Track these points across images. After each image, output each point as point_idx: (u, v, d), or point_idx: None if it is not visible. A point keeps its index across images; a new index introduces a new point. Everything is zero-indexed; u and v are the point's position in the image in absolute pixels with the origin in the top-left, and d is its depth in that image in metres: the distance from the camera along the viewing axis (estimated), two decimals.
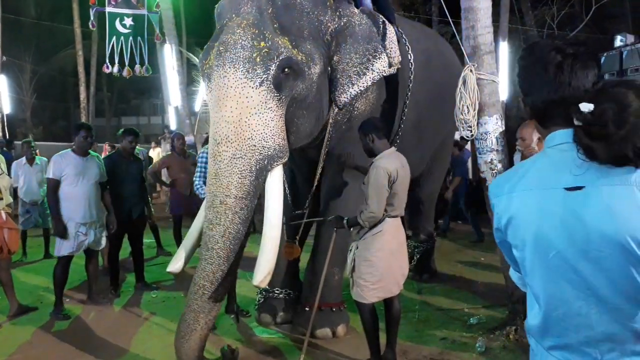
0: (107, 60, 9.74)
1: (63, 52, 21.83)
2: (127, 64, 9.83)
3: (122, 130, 5.25)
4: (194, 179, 4.41)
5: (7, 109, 12.26)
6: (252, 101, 2.98)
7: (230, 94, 2.98)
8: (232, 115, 2.96)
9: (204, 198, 4.13)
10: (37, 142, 11.89)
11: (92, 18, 9.69)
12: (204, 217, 3.04)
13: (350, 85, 3.47)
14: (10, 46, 15.87)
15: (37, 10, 20.54)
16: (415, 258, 5.49)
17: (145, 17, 10.15)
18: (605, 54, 12.34)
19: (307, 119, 3.39)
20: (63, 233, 4.40)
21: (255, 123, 2.98)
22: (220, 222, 2.92)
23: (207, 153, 4.36)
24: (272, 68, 3.03)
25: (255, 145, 2.98)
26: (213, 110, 3.06)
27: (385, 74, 3.56)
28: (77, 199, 4.43)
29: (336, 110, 3.59)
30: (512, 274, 1.42)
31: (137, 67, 9.92)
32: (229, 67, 2.99)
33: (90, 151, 4.71)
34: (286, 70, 3.10)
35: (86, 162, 4.54)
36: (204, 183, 4.27)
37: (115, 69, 9.80)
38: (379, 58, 3.49)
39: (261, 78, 3.00)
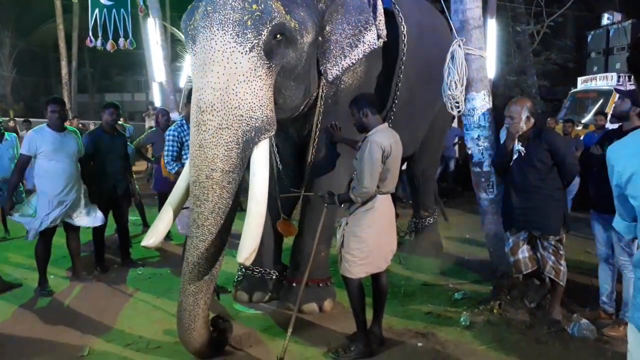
0: (90, 34, 9.48)
1: (43, 26, 21.29)
2: (110, 37, 9.58)
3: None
4: (164, 155, 4.32)
5: None
6: (241, 67, 2.82)
7: (217, 58, 2.80)
8: (218, 81, 2.79)
9: (175, 173, 4.11)
10: (17, 119, 11.68)
11: None
12: (190, 192, 2.93)
13: (342, 58, 3.41)
14: None
15: None
16: (412, 233, 5.57)
17: None
18: (592, 32, 12.37)
19: (294, 91, 3.29)
20: (9, 211, 4.39)
21: (244, 91, 2.83)
22: (208, 198, 2.81)
23: (174, 129, 4.31)
24: (264, 33, 2.87)
25: (242, 116, 2.83)
26: (197, 75, 2.87)
27: (374, 47, 3.50)
28: (55, 175, 4.31)
29: (325, 83, 3.51)
30: (618, 223, 1.69)
31: (121, 40, 9.69)
32: (217, 30, 2.81)
33: (67, 126, 4.60)
34: (278, 36, 2.97)
35: (63, 138, 4.40)
36: (172, 159, 4.23)
37: (99, 42, 9.56)
38: (370, 30, 3.43)
39: (252, 43, 2.84)
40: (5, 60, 21.49)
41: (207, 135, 2.79)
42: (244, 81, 2.83)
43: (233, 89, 2.81)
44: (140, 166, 10.45)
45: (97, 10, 9.49)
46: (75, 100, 19.92)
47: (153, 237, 3.10)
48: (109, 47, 9.56)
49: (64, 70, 18.11)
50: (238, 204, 2.98)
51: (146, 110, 14.68)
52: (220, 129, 2.79)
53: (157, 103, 11.96)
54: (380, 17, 3.52)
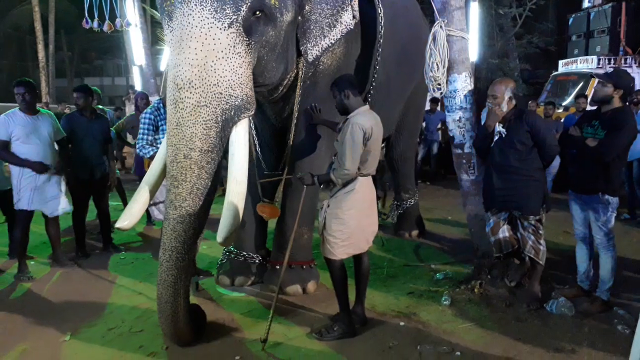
0: (87, 15, 9.20)
1: (19, 8, 20.73)
2: (107, 17, 9.32)
3: None
4: (138, 140, 4.26)
5: None
6: (220, 44, 2.75)
7: (195, 34, 2.72)
8: (196, 58, 2.70)
9: (149, 158, 4.06)
10: None
11: None
12: (167, 173, 2.83)
13: (322, 38, 3.38)
14: None
15: None
16: (393, 215, 5.62)
17: None
18: (573, 15, 12.43)
19: (271, 71, 3.23)
20: (43, 167, 4.26)
21: (222, 68, 2.76)
22: (186, 178, 2.73)
23: (150, 112, 4.24)
24: (242, 9, 2.80)
25: (221, 93, 2.75)
26: (174, 52, 2.76)
27: (350, 27, 3.48)
28: (31, 159, 4.24)
29: (304, 64, 3.49)
30: None
31: (118, 20, 9.43)
32: (195, 5, 2.72)
33: (41, 109, 4.50)
34: (257, 13, 2.90)
35: (36, 121, 4.31)
36: (147, 142, 4.17)
37: (95, 23, 9.29)
38: (346, 10, 3.41)
39: (230, 19, 2.76)
40: None
41: (184, 113, 2.71)
42: (223, 58, 2.77)
43: (211, 66, 2.74)
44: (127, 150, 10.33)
45: None
46: (54, 84, 19.54)
47: (127, 219, 3.01)
48: (105, 28, 9.30)
49: (41, 54, 17.72)
50: (216, 186, 2.92)
51: (126, 94, 14.46)
52: (198, 106, 2.71)
53: (138, 87, 11.79)
54: None
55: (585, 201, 3.55)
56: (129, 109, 12.07)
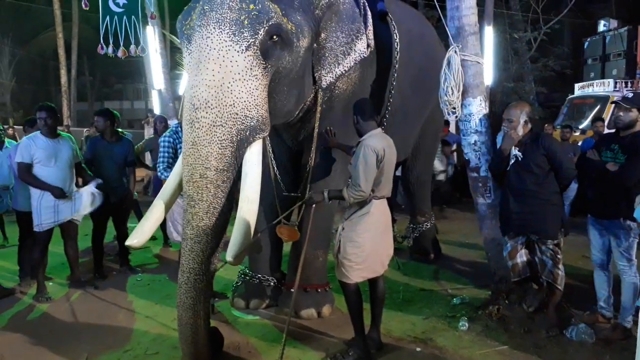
0: (102, 41, 9.48)
1: (43, 35, 21.39)
2: (121, 44, 9.58)
3: None
4: (158, 163, 4.33)
5: None
6: (237, 66, 2.80)
7: (213, 56, 2.78)
8: (213, 79, 2.76)
9: None
10: (17, 127, 11.71)
11: None
12: (184, 192, 2.86)
13: (336, 65, 3.44)
14: None
15: None
16: (410, 238, 5.60)
17: None
18: (588, 39, 12.44)
19: (287, 97, 3.28)
20: (62, 193, 4.33)
21: (239, 90, 2.80)
22: (202, 197, 2.76)
23: (169, 135, 4.32)
24: (260, 32, 2.86)
25: (237, 114, 2.79)
26: (192, 73, 2.83)
27: (364, 56, 3.54)
28: (51, 182, 4.32)
29: (320, 90, 3.54)
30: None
31: (132, 47, 9.66)
32: (213, 28, 2.79)
33: (61, 132, 4.60)
34: (274, 37, 2.96)
35: (57, 144, 4.41)
36: (167, 166, 4.22)
37: (110, 49, 9.55)
38: (361, 39, 3.47)
39: (248, 42, 2.82)
40: (4, 68, 21.56)
41: (200, 133, 2.75)
42: (240, 79, 2.82)
43: (228, 87, 2.79)
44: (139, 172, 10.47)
45: (107, 18, 9.49)
46: (75, 108, 19.99)
47: (137, 237, 3.02)
48: (120, 54, 9.53)
49: (64, 79, 18.17)
50: (232, 205, 2.93)
51: (145, 118, 14.71)
52: (214, 126, 2.75)
53: (157, 110, 11.99)
54: (370, 26, 3.57)
55: (606, 226, 3.50)
56: (147, 133, 12.27)
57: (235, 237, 2.74)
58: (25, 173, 4.32)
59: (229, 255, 2.72)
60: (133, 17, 9.61)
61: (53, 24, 17.92)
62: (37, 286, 4.44)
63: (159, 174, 4.35)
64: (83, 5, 9.33)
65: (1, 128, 6.47)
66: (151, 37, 10.54)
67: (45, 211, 4.34)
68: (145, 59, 11.44)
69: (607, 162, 3.40)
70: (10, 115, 20.13)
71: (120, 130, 6.40)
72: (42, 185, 4.31)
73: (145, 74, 12.84)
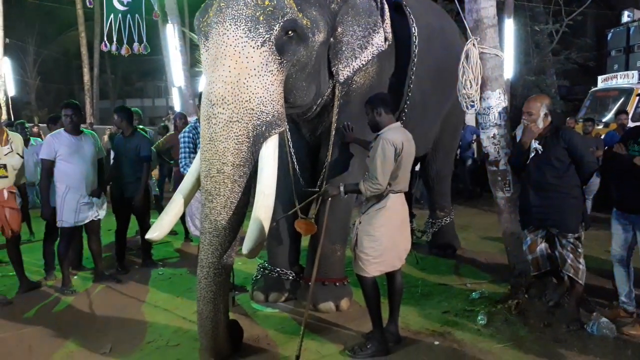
0: (105, 39, 9.66)
1: (66, 34, 21.78)
2: (125, 42, 9.75)
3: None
4: (180, 159, 4.38)
5: (12, 92, 12.28)
6: (253, 62, 2.83)
7: (229, 52, 2.81)
8: (230, 75, 2.79)
9: None
10: (41, 124, 11.99)
11: None
12: (202, 187, 2.91)
13: (353, 59, 3.45)
14: (13, 28, 15.82)
15: None
16: (428, 233, 5.59)
17: None
18: (612, 30, 12.19)
19: (305, 90, 3.30)
20: (49, 215, 4.44)
21: (255, 85, 2.83)
22: (220, 192, 2.80)
23: (189, 131, 4.38)
24: (275, 28, 2.89)
25: (253, 109, 2.82)
26: (209, 69, 2.88)
27: (382, 49, 3.54)
28: (74, 178, 4.41)
29: (337, 84, 3.55)
30: None
31: (136, 45, 9.83)
32: (230, 24, 2.83)
33: (84, 129, 4.69)
34: (290, 32, 2.98)
35: (80, 141, 4.50)
36: (189, 161, 4.27)
37: (114, 47, 9.73)
38: (378, 32, 3.48)
39: (263, 38, 2.86)
40: (29, 67, 22.00)
41: (217, 129, 2.79)
42: (256, 75, 2.84)
43: (244, 83, 2.82)
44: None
45: (112, 15, 9.66)
46: (97, 106, 20.31)
47: (158, 231, 3.08)
48: (123, 51, 9.71)
49: (86, 77, 18.50)
50: (248, 199, 2.95)
51: (166, 115, 14.90)
52: (230, 122, 2.79)
53: (177, 108, 12.13)
54: (387, 20, 3.57)
55: (633, 221, 3.45)
56: (169, 129, 12.42)
57: (251, 231, 2.77)
58: (45, 172, 4.43)
59: (245, 249, 2.75)
60: (137, 15, 9.75)
61: (76, 24, 18.24)
62: (62, 279, 4.56)
63: (181, 169, 4.43)
64: (87, 3, 9.47)
65: (26, 126, 6.65)
66: (171, 35, 10.68)
67: (67, 210, 4.44)
68: (166, 56, 11.59)
69: (634, 156, 3.35)
70: (34, 114, 20.55)
71: (141, 127, 6.52)
72: (44, 195, 4.45)
73: (165, 71, 12.99)
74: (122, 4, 9.68)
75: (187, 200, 3.20)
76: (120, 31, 9.71)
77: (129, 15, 9.71)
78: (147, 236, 3.13)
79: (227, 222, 2.83)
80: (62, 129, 4.57)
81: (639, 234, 3.42)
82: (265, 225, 2.83)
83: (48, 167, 4.41)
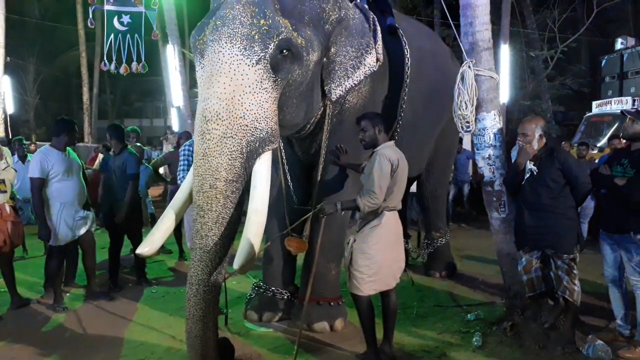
0: (105, 58, 9.79)
1: (67, 54, 21.97)
2: (124, 61, 9.88)
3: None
4: (178, 172, 4.39)
5: (11, 109, 12.31)
6: (247, 79, 2.87)
7: (224, 69, 2.85)
8: (224, 91, 2.83)
9: None
10: (39, 142, 12.02)
11: (90, 16, 9.74)
12: (194, 203, 2.90)
13: (346, 79, 3.50)
14: (14, 47, 15.95)
15: (41, 11, 20.65)
16: (424, 254, 5.57)
17: (143, 14, 10.21)
18: (606, 57, 12.38)
19: (297, 109, 3.33)
20: (48, 236, 4.35)
21: (249, 102, 2.87)
22: (212, 207, 2.80)
23: (189, 145, 4.40)
24: (270, 47, 2.93)
25: (247, 126, 2.85)
26: (204, 86, 2.90)
27: (373, 70, 3.59)
28: (69, 194, 4.40)
29: (330, 104, 3.59)
30: None
31: (134, 64, 9.96)
32: (225, 42, 2.87)
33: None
34: (284, 51, 3.02)
35: (68, 157, 4.49)
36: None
37: (112, 66, 9.85)
38: (370, 53, 3.53)
39: (258, 56, 2.90)
40: (29, 86, 22.10)
41: (211, 144, 2.81)
42: (250, 92, 2.88)
43: (239, 99, 2.85)
44: (156, 190, 10.64)
45: (112, 35, 9.80)
46: (96, 125, 20.37)
47: (148, 246, 3.06)
48: (122, 70, 9.83)
49: (86, 96, 18.62)
50: (240, 216, 2.95)
51: (164, 135, 14.95)
52: (224, 137, 2.81)
53: (175, 128, 12.20)
54: (379, 41, 3.63)
55: (617, 241, 3.47)
56: (166, 149, 12.45)
57: (242, 247, 2.76)
58: (37, 191, 4.30)
59: (236, 265, 2.72)
60: (136, 35, 9.90)
61: (77, 44, 18.42)
62: (54, 296, 4.51)
63: (179, 181, 4.44)
64: (89, 24, 9.62)
65: (24, 143, 6.67)
66: (171, 56, 10.80)
67: (63, 227, 4.41)
68: (165, 77, 11.71)
69: (616, 176, 3.39)
70: (33, 132, 20.60)
71: (138, 144, 6.54)
72: (40, 215, 4.31)
73: (164, 92, 13.11)
74: (122, 24, 9.82)
75: (179, 216, 3.18)
76: (120, 50, 9.84)
77: (128, 35, 9.85)
78: (138, 251, 3.11)
79: (219, 238, 2.82)
80: (49, 145, 4.51)
81: (624, 254, 3.45)
82: (257, 242, 2.81)
83: (40, 186, 4.31)
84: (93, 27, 9.84)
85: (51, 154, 4.40)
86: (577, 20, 14.53)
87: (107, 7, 9.89)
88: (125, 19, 9.86)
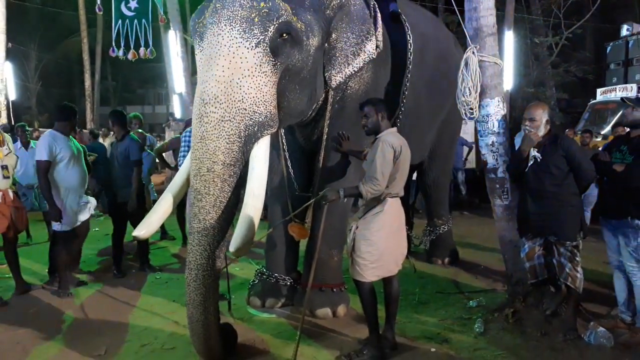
0: (113, 44, 9.73)
1: (68, 40, 21.90)
2: (132, 46, 9.83)
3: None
4: (179, 157, 4.38)
5: (13, 96, 12.30)
6: (246, 62, 2.85)
7: (223, 52, 2.83)
8: (223, 74, 2.81)
9: None
10: (42, 129, 12.03)
11: (98, 2, 9.66)
12: (191, 186, 2.89)
13: (346, 65, 3.47)
14: (15, 33, 15.89)
15: None
16: (426, 241, 5.58)
17: None
18: (611, 44, 12.26)
19: (299, 95, 3.29)
20: (58, 216, 4.36)
21: (248, 85, 2.85)
22: (209, 191, 2.78)
23: (189, 131, 4.37)
24: (270, 29, 2.91)
25: (245, 109, 2.83)
26: (203, 69, 2.89)
27: (373, 57, 3.56)
28: (75, 179, 4.45)
29: (331, 90, 3.58)
30: None
31: (142, 49, 9.89)
32: (224, 25, 2.86)
33: None
34: (284, 35, 3.00)
35: (71, 142, 4.52)
36: None
37: (121, 52, 9.79)
38: (370, 40, 3.49)
39: (258, 39, 2.88)
40: (30, 72, 22.09)
41: (209, 127, 2.79)
42: (249, 75, 2.86)
43: (237, 82, 2.83)
44: (158, 178, 10.64)
45: (119, 21, 9.73)
46: (98, 112, 20.37)
47: (145, 229, 3.07)
48: (130, 56, 9.77)
49: (87, 83, 18.60)
50: (238, 199, 2.93)
51: (166, 122, 14.93)
52: (222, 121, 2.79)
53: (178, 114, 12.17)
54: (379, 28, 3.60)
55: (615, 226, 3.49)
56: (169, 136, 12.44)
57: (239, 229, 2.75)
58: (44, 174, 4.31)
59: (232, 247, 2.71)
60: (144, 20, 9.82)
61: (78, 30, 18.35)
62: (59, 281, 4.54)
63: (179, 166, 4.44)
64: (97, 10, 9.54)
65: (27, 129, 6.67)
66: (172, 42, 10.75)
67: (68, 213, 4.44)
68: (167, 63, 11.67)
69: (615, 163, 3.40)
70: (35, 118, 20.61)
71: (140, 130, 6.53)
72: (49, 197, 4.32)
73: (166, 78, 13.05)
74: (129, 9, 9.74)
75: (177, 199, 3.17)
76: (128, 36, 9.78)
77: (135, 20, 9.77)
78: (134, 234, 3.12)
79: (216, 221, 2.81)
80: (53, 130, 4.51)
81: (621, 239, 3.46)
82: (254, 225, 2.80)
83: (47, 168, 4.33)
84: (101, 12, 9.76)
85: (59, 138, 4.42)
86: (582, 7, 14.36)
87: None
88: (133, 4, 9.77)
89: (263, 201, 2.93)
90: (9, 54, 12.56)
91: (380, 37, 3.58)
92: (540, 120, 3.51)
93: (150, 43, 9.90)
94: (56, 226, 4.48)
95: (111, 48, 9.73)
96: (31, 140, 6.57)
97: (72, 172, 4.44)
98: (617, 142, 3.58)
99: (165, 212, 3.14)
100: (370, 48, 3.52)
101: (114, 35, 9.75)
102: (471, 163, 9.47)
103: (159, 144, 7.14)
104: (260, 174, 2.92)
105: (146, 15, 9.85)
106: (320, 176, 3.85)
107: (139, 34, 9.79)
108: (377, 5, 3.69)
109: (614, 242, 3.57)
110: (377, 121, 3.23)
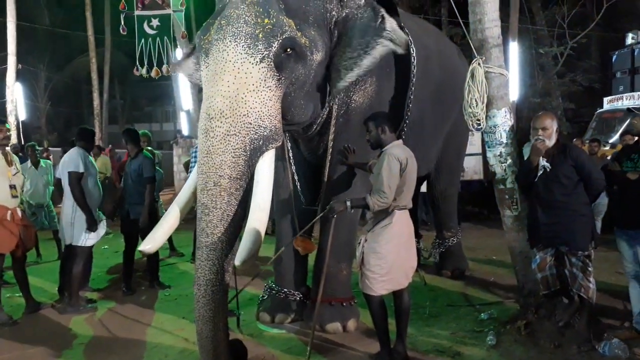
0: (137, 63, 9.85)
1: (77, 60, 22.20)
2: (155, 64, 9.94)
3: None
4: (189, 171, 4.43)
5: (23, 116, 12.48)
6: (251, 77, 2.89)
7: (229, 68, 2.88)
8: (228, 90, 2.85)
9: None
10: (51, 148, 12.15)
11: (122, 23, 9.79)
12: (198, 201, 2.89)
13: (347, 79, 3.40)
14: (25, 54, 16.13)
15: (51, 19, 20.86)
16: (435, 253, 5.55)
17: (171, 16, 10.23)
18: (617, 52, 12.24)
19: (303, 109, 3.32)
20: (95, 226, 4.48)
21: (253, 100, 2.88)
22: (217, 205, 2.79)
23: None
24: (274, 45, 2.95)
25: (251, 124, 2.86)
26: (208, 84, 2.93)
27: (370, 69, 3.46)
28: (98, 194, 4.68)
29: (334, 103, 3.59)
30: None
31: (165, 66, 10.00)
32: (230, 41, 2.90)
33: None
34: (288, 50, 3.03)
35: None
36: None
37: (144, 70, 9.90)
38: (369, 54, 3.44)
39: (262, 54, 2.92)
40: (40, 92, 22.34)
41: (215, 142, 2.82)
42: (254, 90, 2.89)
43: (242, 97, 2.86)
44: (167, 195, 10.69)
45: (142, 40, 9.84)
46: (106, 130, 20.56)
47: (150, 244, 3.09)
48: (153, 74, 9.87)
49: (96, 102, 18.77)
50: (244, 213, 2.92)
51: (174, 139, 15.05)
52: (228, 135, 2.82)
53: (185, 131, 12.29)
54: (395, 30, 3.55)
55: (632, 236, 3.44)
56: (176, 153, 12.52)
57: (244, 243, 2.74)
58: (78, 184, 4.42)
59: (237, 261, 2.70)
60: (165, 37, 9.92)
61: (87, 50, 18.59)
62: (71, 299, 4.55)
63: None
64: (121, 30, 9.68)
65: (37, 149, 6.74)
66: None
67: (79, 227, 4.49)
68: (174, 81, 11.78)
69: (627, 171, 3.37)
70: (44, 138, 20.81)
71: (149, 148, 6.58)
72: (85, 206, 4.43)
73: (174, 96, 13.19)
74: (152, 27, 9.85)
75: (183, 213, 3.17)
76: (150, 54, 9.89)
77: (158, 38, 9.87)
78: (140, 248, 3.13)
79: (224, 235, 2.81)
80: (78, 147, 4.64)
81: (639, 249, 3.41)
82: (259, 239, 2.80)
83: (80, 179, 4.44)
84: (125, 32, 9.87)
85: (85, 154, 4.59)
86: (587, 16, 14.38)
87: (137, 12, 9.91)
88: (155, 22, 9.89)
89: (268, 214, 2.94)
90: (19, 75, 12.77)
91: (398, 36, 3.39)
92: (552, 129, 3.50)
93: (172, 59, 9.98)
94: (82, 240, 4.50)
95: (135, 67, 9.84)
96: (41, 160, 6.63)
97: (95, 188, 4.64)
98: (627, 151, 3.56)
99: (171, 226, 3.15)
100: (368, 62, 3.43)
101: (137, 54, 9.85)
102: (479, 174, 9.43)
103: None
104: (266, 188, 2.93)
105: (167, 33, 9.96)
106: (327, 189, 3.85)
107: (162, 52, 9.89)
108: (386, 16, 3.61)
109: (630, 253, 3.52)
110: (377, 135, 3.25)
